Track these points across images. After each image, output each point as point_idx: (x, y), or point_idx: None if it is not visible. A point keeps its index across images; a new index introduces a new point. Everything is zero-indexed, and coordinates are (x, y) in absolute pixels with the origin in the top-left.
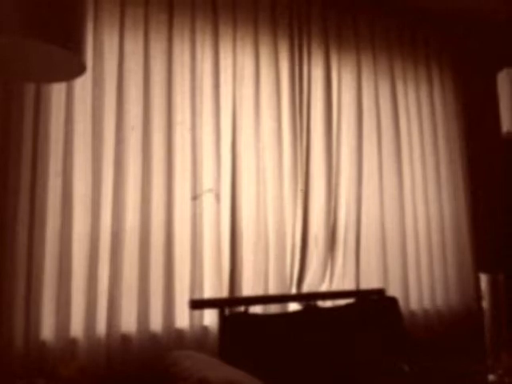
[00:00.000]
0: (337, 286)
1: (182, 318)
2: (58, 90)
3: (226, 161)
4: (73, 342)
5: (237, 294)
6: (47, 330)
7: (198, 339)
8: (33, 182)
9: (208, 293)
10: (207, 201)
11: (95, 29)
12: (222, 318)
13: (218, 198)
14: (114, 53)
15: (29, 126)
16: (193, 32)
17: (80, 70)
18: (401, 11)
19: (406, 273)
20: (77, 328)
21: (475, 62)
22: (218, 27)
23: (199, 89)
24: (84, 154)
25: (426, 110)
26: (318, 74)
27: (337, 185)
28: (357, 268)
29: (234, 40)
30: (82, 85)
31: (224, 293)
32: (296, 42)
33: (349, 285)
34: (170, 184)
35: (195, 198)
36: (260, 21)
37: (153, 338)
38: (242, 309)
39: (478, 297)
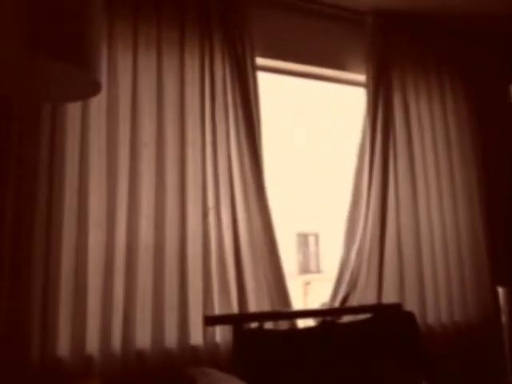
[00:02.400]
0: (358, 300)
1: (196, 334)
2: (73, 108)
3: (224, 178)
4: (88, 358)
5: (246, 310)
6: (63, 345)
7: (211, 355)
8: (49, 199)
9: (219, 309)
10: (211, 217)
11: (109, 47)
12: (237, 334)
13: (217, 215)
14: (128, 71)
15: (45, 143)
16: (203, 49)
17: (96, 88)
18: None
19: (422, 287)
20: (92, 344)
21: (486, 72)
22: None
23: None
24: (99, 170)
25: (438, 119)
26: None
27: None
28: (379, 282)
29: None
30: (98, 103)
31: (233, 309)
32: None
33: (369, 299)
34: (183, 200)
35: (206, 214)
36: None
37: (167, 354)
38: (254, 325)
39: (497, 310)
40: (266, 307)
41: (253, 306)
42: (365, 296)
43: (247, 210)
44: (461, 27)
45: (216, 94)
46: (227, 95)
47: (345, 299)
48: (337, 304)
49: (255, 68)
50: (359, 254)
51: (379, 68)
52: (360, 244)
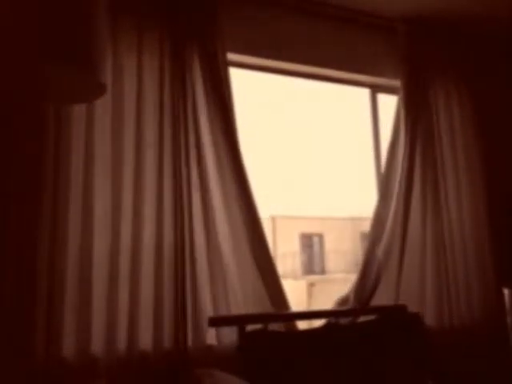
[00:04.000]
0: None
1: (200, 336)
2: (78, 111)
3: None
4: (93, 359)
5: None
6: (68, 347)
7: (216, 356)
8: (54, 207)
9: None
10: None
11: (114, 51)
12: (242, 335)
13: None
14: (132, 73)
15: (51, 146)
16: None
17: (101, 90)
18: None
19: (424, 287)
20: (97, 345)
21: (490, 75)
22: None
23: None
24: (104, 173)
25: (443, 123)
26: None
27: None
28: (397, 285)
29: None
30: (103, 106)
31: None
32: None
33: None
34: (182, 203)
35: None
36: None
37: (170, 355)
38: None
39: (502, 312)
40: (256, 309)
41: (243, 308)
42: (383, 295)
43: (228, 221)
44: (489, 32)
45: (187, 93)
46: (199, 93)
47: (366, 296)
48: (355, 301)
49: (227, 64)
50: (385, 251)
51: (412, 74)
52: (387, 242)
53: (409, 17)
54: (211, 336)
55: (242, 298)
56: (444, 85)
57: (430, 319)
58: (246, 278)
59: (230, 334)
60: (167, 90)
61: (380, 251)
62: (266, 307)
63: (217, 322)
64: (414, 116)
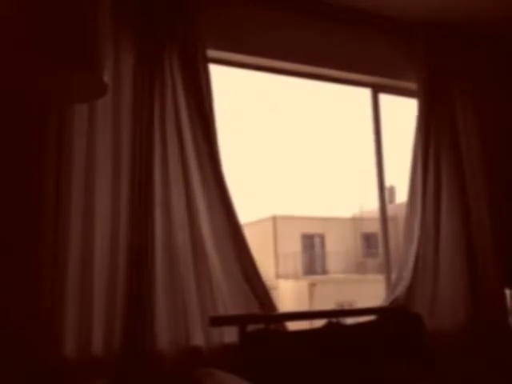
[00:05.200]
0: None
1: (199, 336)
2: (80, 110)
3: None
4: (95, 359)
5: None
6: (70, 346)
7: (215, 356)
8: (56, 207)
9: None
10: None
11: (115, 49)
12: (243, 335)
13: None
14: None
15: (52, 146)
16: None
17: (102, 90)
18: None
19: (429, 289)
20: (98, 345)
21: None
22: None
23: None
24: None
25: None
26: None
27: None
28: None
29: None
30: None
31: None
32: None
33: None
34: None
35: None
36: None
37: (172, 354)
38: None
39: (505, 313)
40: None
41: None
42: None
43: (210, 219)
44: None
45: (166, 93)
46: (177, 91)
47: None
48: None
49: (206, 60)
50: (417, 254)
51: (431, 79)
52: (418, 244)
53: (428, 21)
54: (212, 336)
55: (229, 299)
56: (462, 88)
57: (430, 318)
58: (231, 280)
59: (228, 334)
60: (145, 90)
61: (411, 256)
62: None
63: (218, 321)
64: (435, 120)
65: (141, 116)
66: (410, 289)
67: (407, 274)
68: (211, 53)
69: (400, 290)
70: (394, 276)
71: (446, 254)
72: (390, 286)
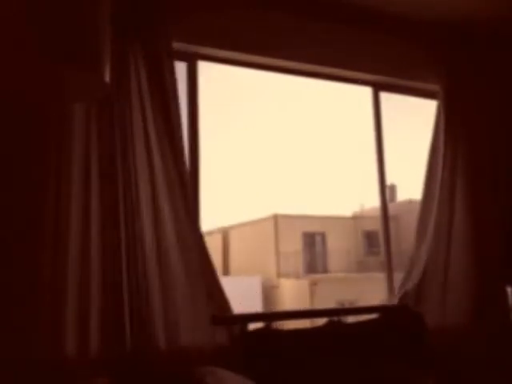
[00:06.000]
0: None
1: (203, 334)
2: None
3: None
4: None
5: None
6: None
7: (216, 355)
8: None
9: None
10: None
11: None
12: (244, 334)
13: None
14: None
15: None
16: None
17: (103, 90)
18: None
19: (438, 288)
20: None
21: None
22: None
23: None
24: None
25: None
26: None
27: None
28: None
29: None
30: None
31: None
32: None
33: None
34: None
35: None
36: None
37: (173, 353)
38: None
39: (506, 310)
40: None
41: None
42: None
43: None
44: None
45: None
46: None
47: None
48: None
49: (172, 56)
50: (430, 251)
51: (452, 80)
52: (430, 244)
53: (448, 22)
54: (213, 334)
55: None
56: (482, 88)
57: (431, 318)
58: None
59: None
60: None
61: (423, 253)
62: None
63: (219, 320)
64: (455, 121)
65: (106, 116)
66: (419, 287)
67: (417, 273)
68: (211, 51)
69: (408, 287)
70: (402, 274)
71: (456, 254)
72: (399, 282)
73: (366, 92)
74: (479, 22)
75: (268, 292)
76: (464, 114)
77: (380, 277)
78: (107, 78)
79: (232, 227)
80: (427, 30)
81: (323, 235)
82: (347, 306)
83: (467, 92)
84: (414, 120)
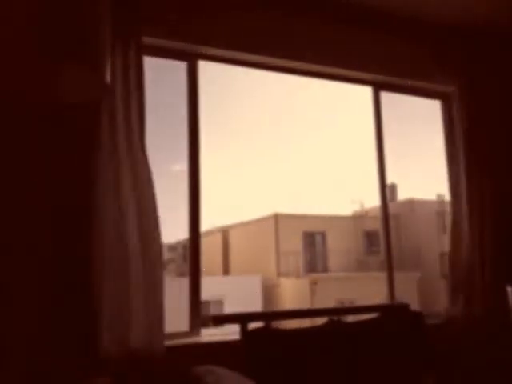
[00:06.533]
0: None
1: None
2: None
3: None
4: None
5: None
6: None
7: (217, 353)
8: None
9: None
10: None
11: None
12: (245, 333)
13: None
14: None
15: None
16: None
17: (104, 90)
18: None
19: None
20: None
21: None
22: None
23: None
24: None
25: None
26: None
27: None
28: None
29: None
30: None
31: None
32: None
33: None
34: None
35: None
36: None
37: (173, 353)
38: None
39: (506, 310)
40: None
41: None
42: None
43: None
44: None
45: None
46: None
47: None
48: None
49: (141, 50)
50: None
51: (467, 82)
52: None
53: (463, 24)
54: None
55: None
56: (496, 90)
57: (431, 317)
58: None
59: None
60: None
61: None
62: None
63: (220, 320)
64: (471, 122)
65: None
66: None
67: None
68: (211, 51)
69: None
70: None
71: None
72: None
73: (367, 92)
74: (493, 23)
75: (268, 291)
76: (480, 114)
77: (380, 276)
78: (107, 78)
79: (232, 226)
80: (442, 33)
81: (323, 234)
82: (347, 305)
83: (483, 91)
84: (412, 121)
